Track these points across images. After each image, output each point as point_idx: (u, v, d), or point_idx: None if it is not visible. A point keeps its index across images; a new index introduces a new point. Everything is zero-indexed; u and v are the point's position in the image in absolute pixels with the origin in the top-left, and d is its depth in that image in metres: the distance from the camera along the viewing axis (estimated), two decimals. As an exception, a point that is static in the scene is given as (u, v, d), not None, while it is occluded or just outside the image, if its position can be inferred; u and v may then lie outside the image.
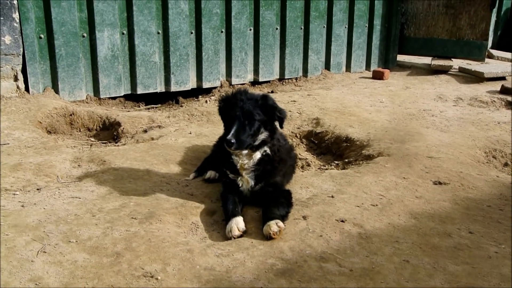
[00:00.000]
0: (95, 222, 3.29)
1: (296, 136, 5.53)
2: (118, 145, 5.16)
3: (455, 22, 8.83)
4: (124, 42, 6.61)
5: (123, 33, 6.56)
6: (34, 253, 2.91)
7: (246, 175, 3.59)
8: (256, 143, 3.53)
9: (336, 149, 5.21)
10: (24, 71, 6.02)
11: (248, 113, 3.46)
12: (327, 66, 8.42)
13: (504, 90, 7.12)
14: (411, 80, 8.19)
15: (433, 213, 3.55)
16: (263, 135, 3.56)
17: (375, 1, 8.58)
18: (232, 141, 3.35)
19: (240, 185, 3.61)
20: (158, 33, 6.77)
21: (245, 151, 3.51)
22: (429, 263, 2.91)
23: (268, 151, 3.60)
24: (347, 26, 8.47)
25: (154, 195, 3.75)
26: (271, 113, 3.58)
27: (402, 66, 9.13)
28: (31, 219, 3.29)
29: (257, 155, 3.56)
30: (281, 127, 3.72)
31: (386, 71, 8.34)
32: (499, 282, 2.74)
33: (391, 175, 4.18)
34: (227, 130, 3.52)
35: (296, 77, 8.10)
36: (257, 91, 7.19)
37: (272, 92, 7.46)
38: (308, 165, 4.86)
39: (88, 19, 6.32)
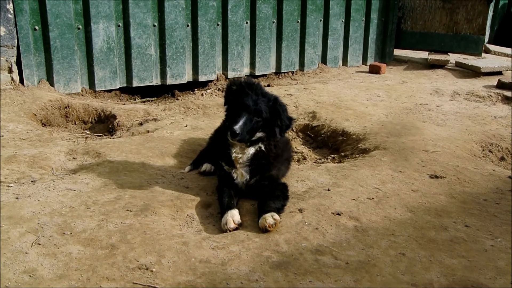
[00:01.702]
0: (90, 214, 3.27)
1: (292, 129, 5.51)
2: (113, 138, 5.13)
3: (452, 16, 8.83)
4: (120, 34, 6.56)
5: (118, 26, 6.52)
6: (28, 245, 2.88)
7: (241, 168, 3.57)
8: (253, 139, 3.52)
9: (332, 143, 5.20)
10: (18, 63, 5.97)
11: (259, 110, 3.44)
12: (324, 60, 8.40)
13: (500, 85, 7.12)
14: (408, 75, 8.18)
15: (429, 206, 3.55)
16: (260, 133, 3.54)
17: (372, -5, 8.57)
18: (238, 131, 3.32)
19: (235, 177, 3.59)
20: (154, 25, 6.73)
21: (239, 144, 3.49)
22: (425, 256, 2.91)
23: (263, 147, 3.58)
24: (344, 20, 8.45)
25: (150, 188, 3.73)
26: (275, 118, 3.55)
27: (399, 61, 9.12)
28: (26, 211, 3.27)
29: (251, 150, 3.54)
30: (281, 135, 3.61)
31: (383, 65, 8.33)
32: (495, 275, 2.74)
33: (387, 169, 4.17)
34: (233, 118, 3.43)
35: (293, 71, 8.08)
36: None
37: (268, 85, 7.43)
38: (304, 158, 4.85)
39: (83, 11, 6.27)
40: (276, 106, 3.54)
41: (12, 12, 5.76)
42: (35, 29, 6.02)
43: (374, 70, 8.27)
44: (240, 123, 3.35)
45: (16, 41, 5.87)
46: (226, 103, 3.69)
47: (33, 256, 2.79)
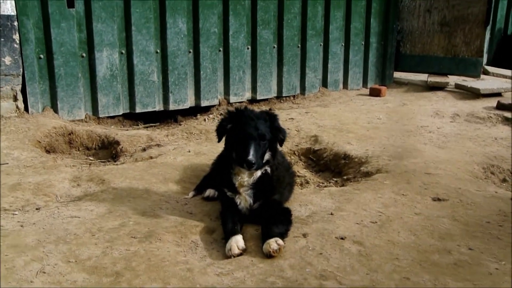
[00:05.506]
0: (95, 242, 3.28)
1: (294, 153, 5.55)
2: (117, 164, 5.17)
3: (450, 39, 8.94)
4: (123, 61, 6.66)
5: (122, 53, 6.62)
6: (33, 273, 2.89)
7: (244, 193, 3.59)
8: (264, 162, 3.57)
9: (334, 166, 5.22)
10: (23, 91, 6.04)
11: (263, 135, 3.50)
12: (325, 83, 8.49)
13: (500, 106, 7.17)
14: (408, 97, 8.24)
15: (432, 229, 3.55)
16: (267, 155, 3.59)
17: (371, 19, 8.68)
18: (253, 161, 3.38)
19: (239, 203, 3.61)
20: (157, 52, 6.83)
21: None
22: (429, 280, 2.90)
23: (268, 170, 3.62)
24: (343, 44, 8.56)
25: (154, 214, 3.75)
26: (276, 134, 3.62)
27: (399, 83, 9.19)
28: (30, 239, 3.28)
29: (258, 173, 3.58)
30: (281, 145, 3.76)
31: (383, 88, 8.40)
32: (500, 299, 2.73)
33: (389, 192, 4.18)
34: (239, 148, 3.47)
35: (294, 95, 8.15)
36: (255, 109, 7.22)
37: (270, 109, 7.48)
38: (307, 182, 4.86)
39: (87, 39, 6.37)
40: (274, 124, 3.63)
41: (18, 42, 5.86)
42: (40, 58, 6.12)
43: (375, 93, 8.34)
44: (252, 152, 3.39)
45: (21, 69, 5.96)
46: (220, 139, 3.70)
47: (38, 284, 2.79)
